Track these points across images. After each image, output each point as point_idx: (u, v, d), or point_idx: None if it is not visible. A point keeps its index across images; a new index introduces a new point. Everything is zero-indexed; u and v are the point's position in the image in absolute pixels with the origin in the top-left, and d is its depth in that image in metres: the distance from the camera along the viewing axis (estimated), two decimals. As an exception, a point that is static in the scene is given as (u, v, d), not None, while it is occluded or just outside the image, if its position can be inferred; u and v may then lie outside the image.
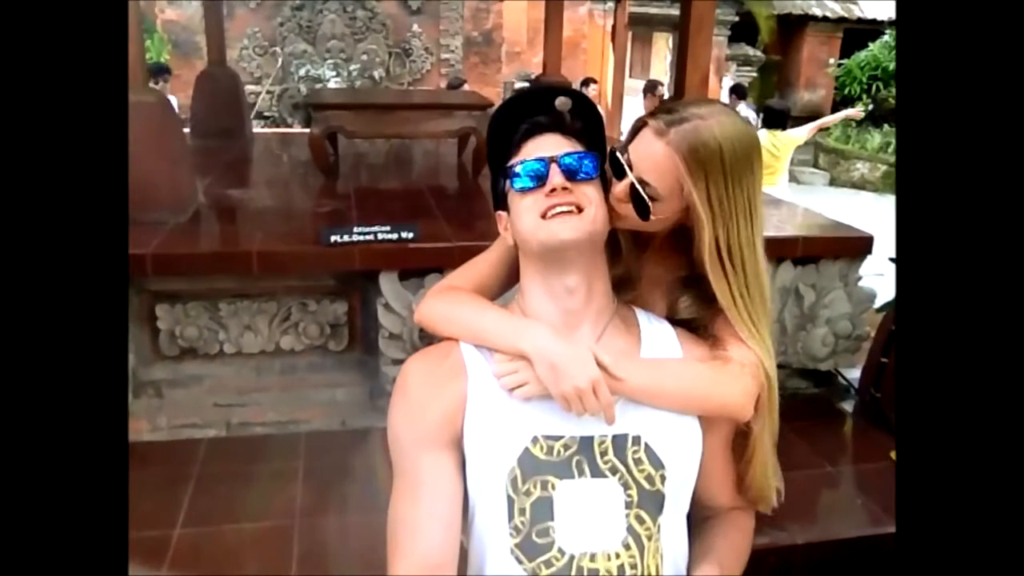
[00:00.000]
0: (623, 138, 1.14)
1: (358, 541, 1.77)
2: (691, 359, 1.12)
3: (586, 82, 8.09)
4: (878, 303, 2.57)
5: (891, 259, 1.94)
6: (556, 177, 1.03)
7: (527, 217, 1.05)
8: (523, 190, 1.05)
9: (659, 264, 1.19)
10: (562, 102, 1.08)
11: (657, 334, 1.14)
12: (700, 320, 1.16)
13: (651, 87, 7.65)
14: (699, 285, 1.12)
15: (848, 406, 2.55)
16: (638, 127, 1.07)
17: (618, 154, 1.07)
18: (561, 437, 1.04)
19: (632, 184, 1.04)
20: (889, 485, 2.01)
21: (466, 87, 7.43)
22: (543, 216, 1.03)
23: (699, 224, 1.03)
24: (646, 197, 1.03)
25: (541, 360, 1.01)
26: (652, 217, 1.05)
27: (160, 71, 7.11)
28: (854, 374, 2.60)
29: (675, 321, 1.18)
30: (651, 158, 1.02)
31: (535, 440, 1.03)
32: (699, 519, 1.17)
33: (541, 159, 1.04)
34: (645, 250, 1.19)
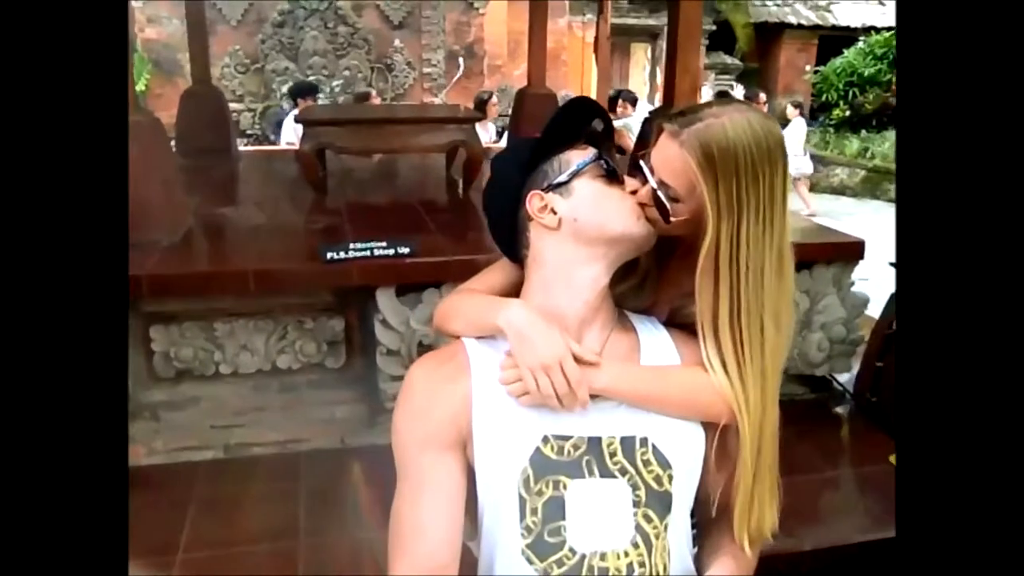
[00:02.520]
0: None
1: (363, 560, 1.76)
2: (688, 362, 1.12)
3: (617, 96, 7.52)
4: (870, 308, 2.59)
5: (891, 263, 1.96)
6: (636, 183, 1.10)
7: (620, 205, 1.09)
8: (617, 179, 1.12)
9: (679, 273, 1.18)
10: (597, 123, 1.16)
11: (654, 339, 1.15)
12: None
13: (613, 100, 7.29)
14: None
15: (843, 411, 2.57)
16: (658, 133, 1.09)
17: (641, 161, 1.10)
18: (570, 437, 1.05)
19: (653, 188, 1.06)
20: (891, 488, 2.02)
21: (495, 98, 7.22)
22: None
23: (705, 224, 1.03)
24: (665, 200, 1.05)
25: (512, 332, 1.04)
26: (672, 219, 1.06)
27: (307, 91, 6.53)
28: (846, 379, 2.63)
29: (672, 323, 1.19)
30: (667, 160, 1.04)
31: (545, 440, 1.04)
32: (705, 520, 1.17)
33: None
34: (668, 260, 1.20)
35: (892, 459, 2.16)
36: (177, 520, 1.93)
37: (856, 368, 2.58)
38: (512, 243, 1.15)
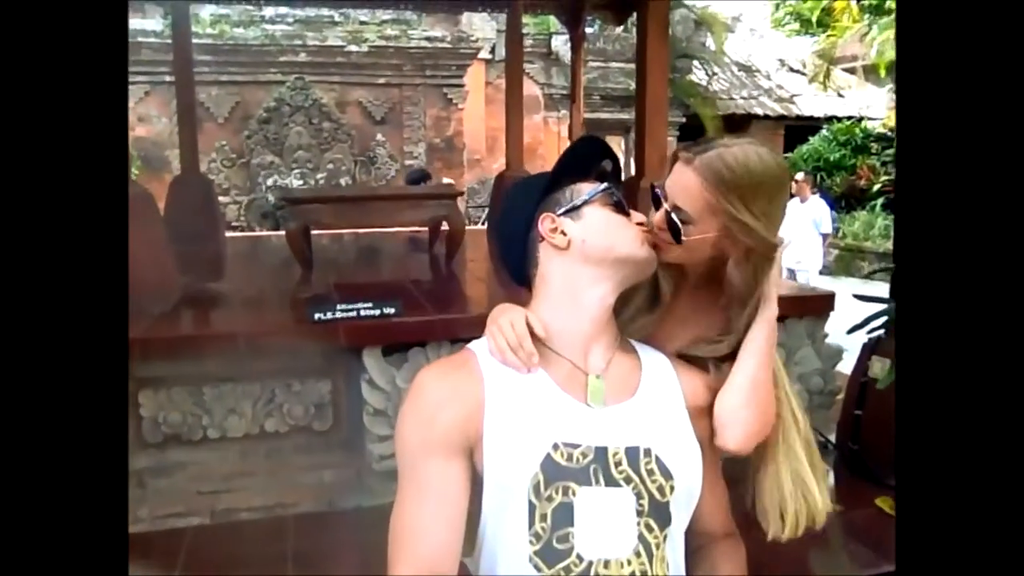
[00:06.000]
0: None
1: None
2: (687, 383, 1.19)
3: None
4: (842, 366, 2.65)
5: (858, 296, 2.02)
6: (640, 215, 1.20)
7: (626, 231, 1.17)
8: (624, 210, 1.19)
9: (689, 303, 1.27)
10: (606, 164, 1.26)
11: (654, 360, 1.21)
12: (706, 357, 1.24)
13: None
14: (715, 324, 1.24)
15: (826, 464, 2.59)
16: (672, 162, 1.21)
17: (656, 188, 1.21)
18: (579, 445, 1.07)
19: (667, 211, 1.16)
20: (878, 530, 2.04)
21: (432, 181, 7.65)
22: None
23: (750, 235, 1.13)
24: (678, 221, 1.15)
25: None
26: (684, 239, 1.16)
27: (423, 177, 7.39)
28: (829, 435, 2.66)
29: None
30: (680, 184, 1.16)
31: (556, 447, 1.06)
32: (694, 547, 1.19)
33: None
34: (678, 291, 1.27)
35: (878, 502, 2.19)
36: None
37: (835, 422, 2.62)
38: (520, 264, 1.22)
